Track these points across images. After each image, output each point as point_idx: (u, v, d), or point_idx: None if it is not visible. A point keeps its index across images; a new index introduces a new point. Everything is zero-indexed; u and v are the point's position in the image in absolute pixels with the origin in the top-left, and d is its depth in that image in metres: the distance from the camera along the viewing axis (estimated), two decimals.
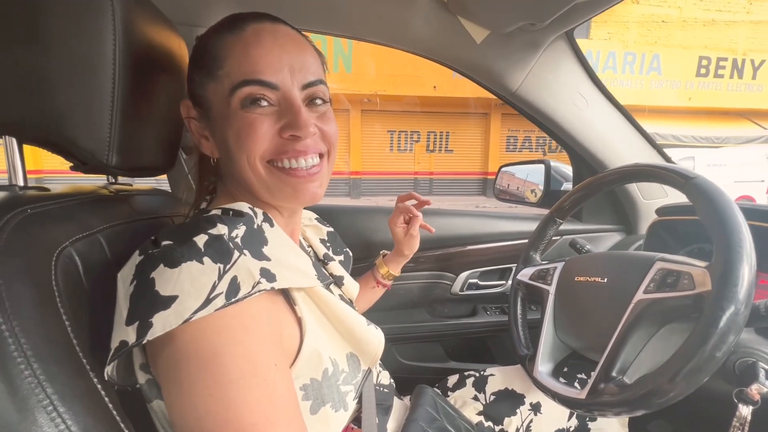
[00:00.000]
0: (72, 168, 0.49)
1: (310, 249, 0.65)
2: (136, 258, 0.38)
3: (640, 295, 0.57)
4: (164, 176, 0.74)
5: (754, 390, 0.50)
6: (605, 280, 0.64)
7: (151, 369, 0.39)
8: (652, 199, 1.05)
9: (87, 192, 0.49)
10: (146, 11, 0.49)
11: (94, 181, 0.58)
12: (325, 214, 0.78)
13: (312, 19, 0.83)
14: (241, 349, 0.35)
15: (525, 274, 0.81)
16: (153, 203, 0.60)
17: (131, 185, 0.61)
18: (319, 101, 0.46)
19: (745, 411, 0.50)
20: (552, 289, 0.73)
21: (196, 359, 0.34)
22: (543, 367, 0.68)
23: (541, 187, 1.21)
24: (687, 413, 0.82)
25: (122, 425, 0.35)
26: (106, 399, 0.35)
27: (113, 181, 0.59)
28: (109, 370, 0.36)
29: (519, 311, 0.81)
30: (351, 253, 0.75)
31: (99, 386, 0.35)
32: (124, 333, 0.34)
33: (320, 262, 0.64)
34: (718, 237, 0.49)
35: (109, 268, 0.44)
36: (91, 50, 0.41)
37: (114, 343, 0.35)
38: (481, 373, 0.82)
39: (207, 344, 0.34)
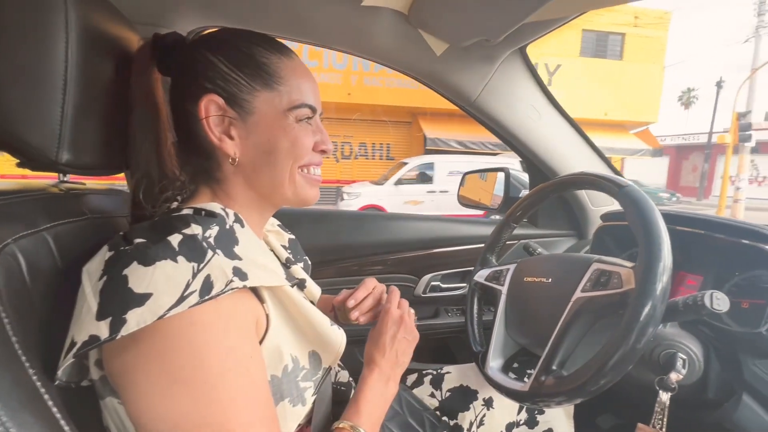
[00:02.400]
0: (18, 165, 0.48)
1: (272, 253, 0.66)
2: (105, 253, 0.38)
3: (578, 293, 0.61)
4: None
5: (672, 378, 0.55)
6: (550, 280, 0.69)
7: (107, 367, 0.39)
8: (600, 206, 1.12)
9: (34, 189, 0.48)
10: (102, 9, 0.49)
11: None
12: (287, 219, 0.78)
13: (278, 26, 0.85)
14: (220, 344, 0.37)
15: (481, 275, 0.85)
16: (107, 202, 0.59)
17: (84, 184, 0.60)
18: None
19: (665, 397, 0.55)
20: (504, 289, 0.77)
21: (172, 355, 0.36)
22: (494, 362, 0.72)
23: (501, 194, 1.27)
24: (628, 405, 0.89)
25: (62, 422, 0.35)
26: (46, 396, 0.35)
27: (64, 179, 0.58)
28: (64, 365, 0.36)
29: (475, 310, 0.85)
30: (310, 262, 0.76)
31: (38, 383, 0.34)
32: (93, 327, 0.35)
33: (283, 266, 0.65)
34: (642, 240, 0.54)
35: (57, 267, 0.43)
36: (41, 46, 0.41)
37: (81, 337, 0.35)
38: (438, 371, 0.85)
39: (183, 340, 0.36)
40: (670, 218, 0.57)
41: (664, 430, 0.54)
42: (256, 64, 0.48)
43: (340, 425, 0.51)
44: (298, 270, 0.66)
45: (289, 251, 0.70)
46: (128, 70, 0.53)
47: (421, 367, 1.01)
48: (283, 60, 0.50)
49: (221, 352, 0.37)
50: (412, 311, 0.65)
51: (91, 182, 0.61)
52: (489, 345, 0.75)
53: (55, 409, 0.35)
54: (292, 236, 0.73)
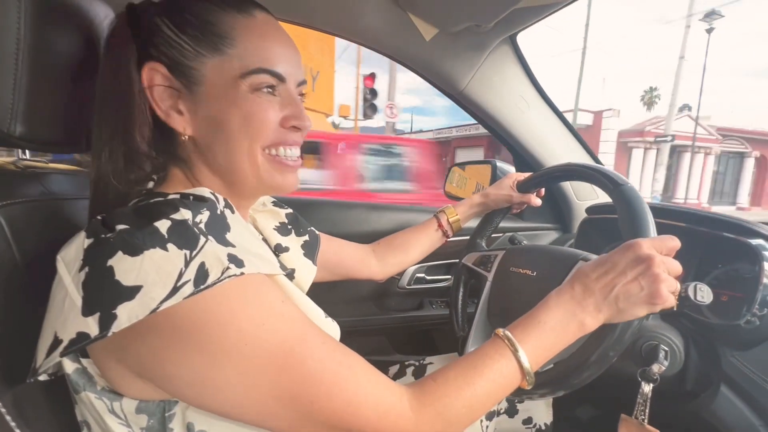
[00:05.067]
0: None
1: (261, 238, 0.63)
2: (82, 240, 0.34)
3: None
4: None
5: (655, 369, 0.55)
6: (534, 273, 0.68)
7: (105, 359, 0.37)
8: (585, 200, 1.13)
9: None
10: None
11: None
12: (308, 208, 0.75)
13: (264, 4, 0.81)
14: (229, 326, 0.34)
15: (469, 259, 0.84)
16: (71, 183, 0.55)
17: (45, 163, 0.56)
18: (302, 98, 0.48)
19: (647, 388, 0.55)
20: (490, 276, 0.76)
21: (178, 344, 0.34)
22: (473, 348, 0.72)
23: (488, 186, 1.26)
24: (608, 396, 0.90)
25: (12, 424, 0.32)
26: None
27: (24, 157, 0.53)
28: (48, 363, 0.33)
29: (460, 294, 0.84)
30: (318, 233, 0.72)
31: None
32: (81, 324, 0.32)
33: (273, 253, 0.62)
34: (633, 236, 0.53)
35: (10, 252, 0.40)
36: None
37: (67, 335, 0.33)
38: (421, 362, 0.84)
39: (183, 331, 0.34)
40: (654, 211, 0.56)
41: (646, 420, 0.54)
42: (203, 25, 0.41)
43: (500, 332, 0.45)
44: (288, 258, 0.64)
45: (289, 227, 0.67)
46: (93, 39, 0.49)
47: (404, 359, 1.00)
48: (237, 18, 0.42)
49: (227, 330, 0.35)
50: (676, 267, 0.46)
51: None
52: (470, 330, 0.74)
53: (4, 411, 0.32)
54: (290, 210, 0.69)
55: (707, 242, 0.70)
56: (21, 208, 0.42)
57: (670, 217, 0.76)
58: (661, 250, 0.46)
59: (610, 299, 0.45)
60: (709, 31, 13.18)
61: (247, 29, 0.42)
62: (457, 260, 0.95)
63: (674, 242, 0.47)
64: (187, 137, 0.44)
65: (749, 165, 16.94)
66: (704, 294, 0.50)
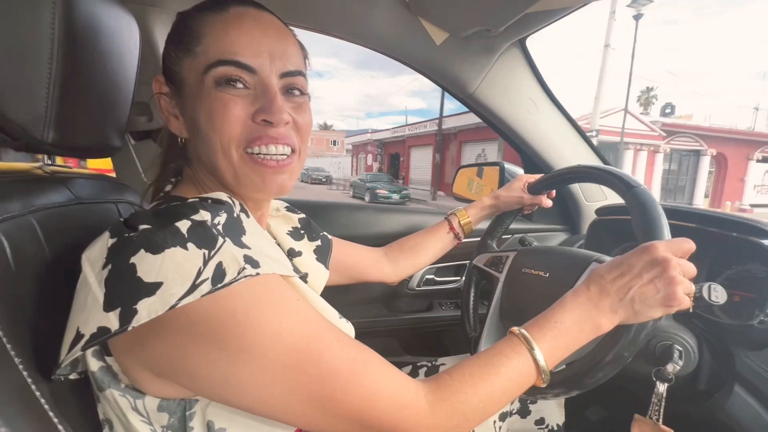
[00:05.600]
0: (0, 144, 0.45)
1: (275, 243, 0.64)
2: (106, 240, 0.36)
3: None
4: None
5: (669, 369, 0.55)
6: (547, 274, 0.69)
7: (127, 355, 0.38)
8: (594, 201, 1.13)
9: (18, 171, 0.46)
10: None
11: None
12: (317, 211, 0.76)
13: (275, 9, 0.82)
14: (246, 323, 0.35)
15: (480, 260, 0.85)
16: (94, 187, 0.56)
17: (70, 167, 0.58)
18: (296, 92, 0.46)
19: (662, 388, 0.55)
20: (502, 277, 0.77)
21: (196, 341, 0.34)
22: (485, 347, 0.72)
23: (496, 188, 1.27)
24: (619, 397, 0.90)
25: (55, 420, 0.33)
26: (37, 393, 0.33)
27: (50, 162, 0.55)
28: (70, 358, 0.34)
29: (472, 294, 0.85)
30: (330, 237, 0.73)
31: (29, 380, 0.33)
32: (102, 319, 0.33)
33: (287, 257, 0.63)
34: (648, 239, 0.53)
35: (43, 254, 0.41)
36: (27, 21, 0.39)
37: (89, 329, 0.33)
38: (433, 363, 0.85)
39: (201, 328, 0.34)
40: (667, 213, 0.57)
41: (661, 420, 0.55)
42: (183, 29, 0.43)
43: (516, 330, 0.45)
44: (302, 262, 0.64)
45: (302, 232, 0.68)
46: (119, 48, 0.51)
47: (416, 360, 1.01)
48: (207, 15, 0.42)
49: (246, 329, 0.35)
50: (690, 269, 0.47)
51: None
52: (482, 331, 0.75)
53: (47, 407, 0.33)
54: (303, 215, 0.70)
55: (718, 243, 0.71)
56: (52, 213, 0.44)
57: (681, 218, 0.76)
58: (676, 253, 0.46)
59: (626, 301, 0.45)
60: (637, 17, 12.34)
61: (213, 23, 0.42)
62: (467, 261, 0.96)
63: (689, 245, 0.47)
64: (183, 140, 0.46)
65: (705, 163, 15.88)
66: (719, 294, 0.51)
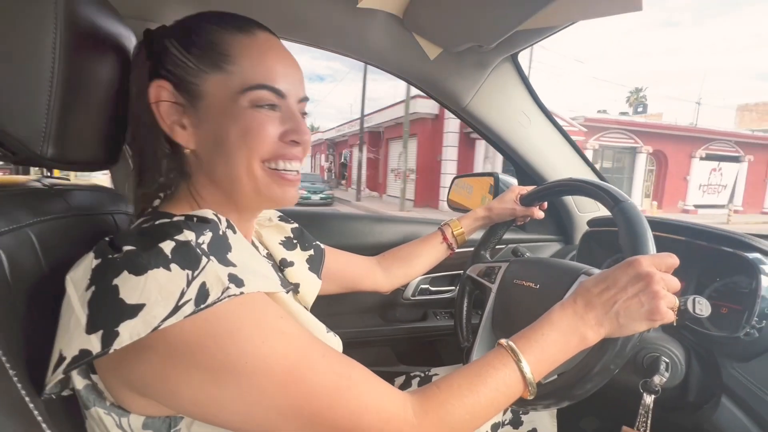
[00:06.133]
0: (0, 159, 0.46)
1: (266, 253, 0.64)
2: (90, 261, 0.36)
3: None
4: None
5: (656, 380, 0.56)
6: (538, 286, 0.69)
7: (110, 376, 0.39)
8: (586, 212, 1.15)
9: (16, 184, 0.46)
10: (92, 1, 0.48)
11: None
12: (311, 221, 0.77)
13: (270, 23, 0.84)
14: (229, 344, 0.35)
15: (474, 270, 0.86)
16: (92, 199, 0.57)
17: (68, 180, 0.59)
18: (305, 115, 0.50)
19: (649, 399, 0.56)
20: (495, 287, 0.78)
21: (179, 361, 0.35)
22: (477, 357, 0.73)
23: (491, 198, 1.29)
24: (612, 408, 0.90)
25: None
26: (32, 407, 0.33)
27: (48, 175, 0.56)
28: (53, 381, 0.35)
29: (465, 304, 0.86)
30: (323, 247, 0.74)
31: (27, 398, 0.33)
32: (84, 341, 0.33)
33: (278, 268, 0.64)
34: (633, 254, 0.54)
35: (40, 268, 0.42)
36: (29, 36, 0.40)
37: (71, 352, 0.33)
38: (426, 373, 0.85)
39: (184, 349, 0.35)
40: (654, 225, 0.58)
41: (648, 431, 0.55)
42: (205, 44, 0.44)
43: (504, 342, 0.46)
44: (293, 272, 0.65)
45: (294, 242, 0.68)
46: (117, 63, 0.52)
47: (410, 370, 1.01)
48: (238, 37, 0.45)
49: (230, 347, 0.36)
50: (674, 283, 0.48)
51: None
52: (475, 341, 0.76)
53: (38, 416, 0.33)
54: (295, 225, 0.71)
55: (706, 256, 0.72)
56: (49, 226, 0.45)
57: (670, 231, 0.77)
58: (660, 267, 0.47)
59: (611, 314, 0.47)
60: None
61: (248, 47, 0.45)
62: (461, 271, 0.97)
63: (673, 259, 0.48)
64: (189, 151, 0.46)
65: (642, 161, 14.58)
66: (703, 307, 0.52)
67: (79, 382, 0.39)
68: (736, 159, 16.16)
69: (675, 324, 0.47)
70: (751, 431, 0.61)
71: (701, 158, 15.41)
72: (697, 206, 15.39)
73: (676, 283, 0.47)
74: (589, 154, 14.09)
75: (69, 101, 0.44)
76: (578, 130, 13.13)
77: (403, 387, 0.85)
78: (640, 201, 14.88)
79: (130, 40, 0.57)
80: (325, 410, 0.37)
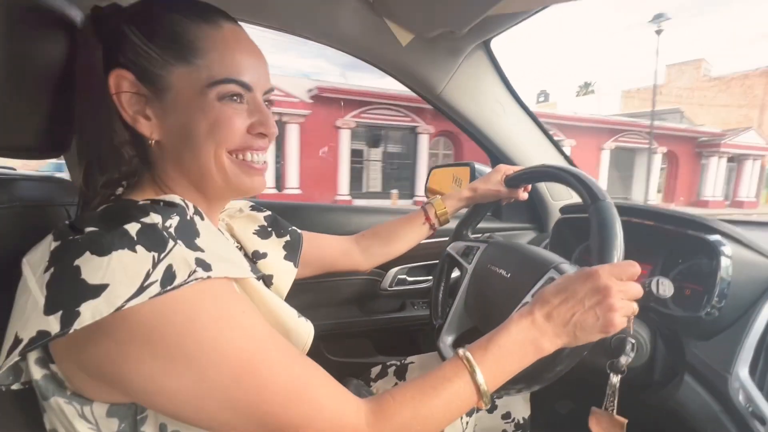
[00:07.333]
0: None
1: (238, 246, 0.63)
2: (49, 243, 0.35)
3: (529, 297, 0.61)
4: None
5: (622, 361, 0.57)
6: (509, 275, 0.69)
7: (66, 361, 0.37)
8: (559, 200, 1.16)
9: None
10: None
11: None
12: (288, 213, 0.75)
13: (235, 6, 0.81)
14: (186, 332, 0.35)
15: (454, 248, 0.86)
16: (42, 190, 0.54)
17: (14, 170, 0.55)
18: (269, 105, 0.50)
19: (615, 379, 0.57)
20: (470, 269, 0.78)
21: (135, 347, 0.34)
22: (447, 336, 0.74)
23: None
24: (586, 390, 0.92)
25: None
26: None
27: None
28: (6, 365, 0.33)
29: (442, 282, 0.86)
30: (300, 232, 0.73)
31: None
32: (42, 322, 0.32)
33: (250, 260, 0.62)
34: (596, 256, 0.55)
35: None
36: None
37: (27, 333, 0.32)
38: (402, 361, 0.85)
39: (142, 333, 0.34)
40: (624, 210, 0.59)
41: (615, 410, 0.57)
42: (170, 35, 0.43)
43: (460, 352, 0.46)
44: (267, 265, 0.64)
45: (269, 230, 0.67)
46: (63, 42, 0.49)
47: (387, 360, 1.01)
48: (203, 28, 0.44)
49: (196, 332, 0.35)
50: (635, 291, 0.49)
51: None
52: (446, 320, 0.77)
53: None
54: (268, 212, 0.69)
55: (672, 239, 0.74)
56: None
57: (639, 216, 0.79)
58: (621, 277, 0.48)
59: (569, 328, 0.48)
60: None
61: (214, 40, 0.44)
62: (437, 261, 0.97)
63: (635, 269, 0.49)
64: (153, 142, 0.45)
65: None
66: (666, 288, 0.53)
67: (36, 372, 0.38)
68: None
69: (631, 332, 0.51)
70: (711, 406, 0.63)
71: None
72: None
73: (637, 291, 0.48)
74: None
75: (9, 84, 0.41)
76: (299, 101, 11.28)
77: (380, 376, 0.85)
78: None
79: (76, 18, 0.53)
80: (278, 409, 0.37)
